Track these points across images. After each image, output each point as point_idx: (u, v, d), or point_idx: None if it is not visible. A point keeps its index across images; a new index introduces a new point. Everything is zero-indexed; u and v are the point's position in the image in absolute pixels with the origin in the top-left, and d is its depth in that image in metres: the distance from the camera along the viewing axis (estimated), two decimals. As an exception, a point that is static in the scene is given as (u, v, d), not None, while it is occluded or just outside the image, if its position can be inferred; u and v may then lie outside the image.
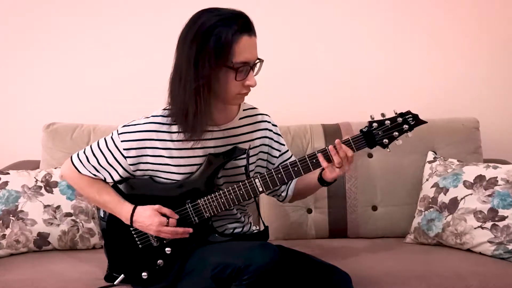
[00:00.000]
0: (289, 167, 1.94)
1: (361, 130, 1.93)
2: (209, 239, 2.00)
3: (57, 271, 2.24)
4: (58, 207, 2.48)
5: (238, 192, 1.96)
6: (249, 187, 1.95)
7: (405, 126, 1.91)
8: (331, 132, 2.72)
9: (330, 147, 1.92)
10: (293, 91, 3.02)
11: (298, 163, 1.94)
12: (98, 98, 3.05)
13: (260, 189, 1.96)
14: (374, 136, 1.92)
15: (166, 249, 2.00)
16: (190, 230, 1.97)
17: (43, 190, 2.50)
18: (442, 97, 3.02)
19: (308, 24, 3.01)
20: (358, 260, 2.31)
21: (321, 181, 2.04)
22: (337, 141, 1.92)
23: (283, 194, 2.21)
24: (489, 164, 2.47)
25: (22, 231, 2.42)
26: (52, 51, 3.03)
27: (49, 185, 2.51)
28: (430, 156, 2.64)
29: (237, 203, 1.98)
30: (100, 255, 2.26)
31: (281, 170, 1.94)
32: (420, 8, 2.99)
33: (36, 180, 2.52)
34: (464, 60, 3.01)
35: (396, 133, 1.92)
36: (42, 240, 2.44)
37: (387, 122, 1.92)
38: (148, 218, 1.97)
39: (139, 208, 2.00)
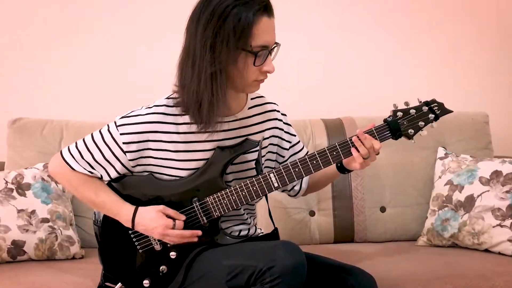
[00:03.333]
0: (308, 160, 1.79)
1: (385, 120, 1.81)
2: (219, 241, 1.82)
3: (40, 282, 2.05)
4: (33, 211, 2.27)
5: (251, 188, 1.79)
6: (263, 183, 1.78)
7: (431, 116, 1.80)
8: (333, 127, 2.65)
9: (354, 138, 1.79)
10: (293, 85, 2.95)
11: (317, 156, 1.79)
12: (68, 92, 2.87)
13: (276, 185, 1.79)
14: (399, 126, 1.80)
15: (171, 253, 1.81)
16: (199, 232, 1.79)
17: (15, 193, 2.29)
18: (450, 91, 2.98)
19: (309, 20, 2.97)
20: (372, 263, 2.21)
21: (341, 169, 1.91)
22: (359, 131, 1.79)
23: (296, 188, 2.06)
24: (505, 159, 2.41)
25: None
26: (11, 41, 2.85)
27: (21, 188, 2.31)
28: (441, 152, 2.57)
29: (250, 201, 1.80)
30: (83, 266, 2.16)
31: (299, 163, 1.79)
32: (427, 0, 2.98)
33: (6, 182, 2.30)
34: (472, 54, 3.01)
35: (422, 123, 1.81)
36: (17, 249, 2.23)
37: (412, 111, 1.80)
38: (152, 221, 1.78)
39: (141, 209, 1.80)
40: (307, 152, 2.03)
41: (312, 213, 2.57)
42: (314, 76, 2.98)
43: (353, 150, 1.79)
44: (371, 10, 2.99)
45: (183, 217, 1.81)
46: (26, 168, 2.40)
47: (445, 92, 2.88)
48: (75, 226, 2.39)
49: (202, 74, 1.70)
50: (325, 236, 2.55)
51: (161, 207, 1.80)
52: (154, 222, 1.78)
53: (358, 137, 1.79)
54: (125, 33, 2.91)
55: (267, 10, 1.72)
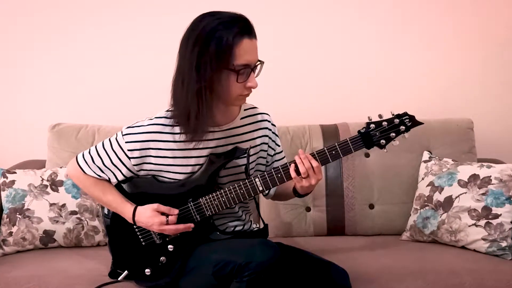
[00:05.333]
0: (288, 167, 1.97)
1: (359, 131, 1.97)
2: (211, 237, 2.04)
3: (62, 267, 2.29)
4: (64, 205, 2.54)
5: (238, 191, 2.00)
6: (249, 186, 1.99)
7: (402, 127, 1.95)
8: (329, 132, 2.77)
9: (296, 157, 1.96)
10: (293, 92, 3.07)
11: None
12: (103, 99, 3.10)
13: (260, 188, 1.99)
14: (372, 137, 1.95)
15: (169, 246, 2.04)
16: (192, 225, 2.01)
17: (48, 189, 2.56)
18: (437, 99, 3.06)
19: (308, 26, 3.06)
20: (355, 257, 2.36)
21: (295, 191, 2.09)
22: (300, 151, 1.96)
23: (266, 190, 2.22)
24: (483, 163, 2.51)
25: (28, 229, 2.48)
26: (57, 52, 3.09)
27: (55, 184, 2.57)
28: (426, 155, 2.69)
29: (237, 202, 2.02)
30: (105, 252, 2.30)
31: (281, 170, 1.98)
32: (416, 11, 3.04)
33: (42, 179, 2.57)
34: (459, 62, 3.06)
35: (393, 134, 1.95)
36: (48, 237, 2.51)
37: (384, 123, 1.95)
38: (148, 219, 2.01)
39: (139, 208, 2.04)
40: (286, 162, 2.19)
41: (308, 209, 2.74)
42: (313, 83, 3.08)
43: (291, 170, 1.95)
44: (367, 21, 3.05)
45: (176, 211, 2.01)
46: (61, 167, 2.65)
47: (433, 100, 3.05)
48: (101, 217, 2.59)
49: (189, 91, 1.88)
50: (319, 229, 2.71)
51: (155, 205, 2.01)
52: (150, 220, 2.00)
53: (299, 156, 1.95)
54: (156, 39, 3.05)
55: (248, 32, 1.88)
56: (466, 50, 3.05)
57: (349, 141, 1.95)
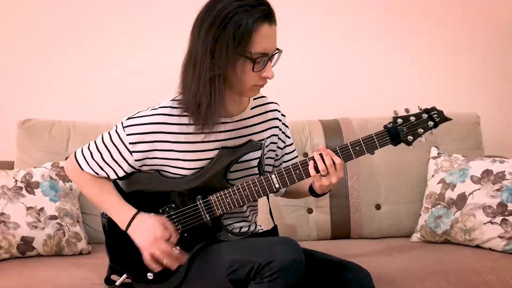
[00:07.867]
0: (308, 162, 1.83)
1: (385, 126, 1.84)
2: (221, 238, 1.87)
3: (48, 276, 2.09)
4: (42, 209, 2.32)
5: (253, 189, 1.84)
6: (265, 184, 1.84)
7: (430, 123, 1.84)
8: (330, 127, 2.68)
9: (315, 152, 1.83)
10: (291, 86, 2.96)
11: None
12: (75, 94, 2.91)
13: (277, 186, 1.84)
14: (399, 132, 1.84)
15: (174, 248, 1.85)
16: (184, 260, 1.85)
17: (24, 191, 2.34)
18: (442, 93, 3.03)
19: (308, 21, 3.00)
20: (368, 259, 2.23)
21: (312, 190, 1.97)
22: (321, 147, 1.84)
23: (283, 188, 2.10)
24: (495, 158, 2.47)
25: (4, 235, 2.25)
26: (25, 42, 2.89)
27: (30, 186, 2.35)
28: (434, 152, 2.62)
29: (251, 200, 1.86)
30: (91, 261, 2.17)
31: (300, 166, 1.84)
32: (420, 4, 3.01)
33: (16, 181, 2.35)
34: (463, 56, 3.05)
35: (421, 130, 1.84)
36: (26, 245, 2.28)
37: (412, 118, 1.84)
38: (152, 226, 1.84)
39: (144, 214, 1.86)
40: (297, 155, 2.12)
41: (310, 211, 2.62)
42: (312, 77, 3.00)
43: (310, 167, 1.82)
44: (366, 14, 3.01)
45: (177, 236, 1.86)
46: (35, 167, 2.43)
47: (438, 94, 3.00)
48: (82, 223, 2.42)
49: (202, 77, 1.74)
50: (323, 232, 2.60)
51: (164, 218, 1.86)
52: (153, 228, 1.84)
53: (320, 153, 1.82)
54: (130, 35, 2.93)
55: (268, 17, 1.74)
56: (473, 44, 3.04)
57: (374, 137, 1.83)
